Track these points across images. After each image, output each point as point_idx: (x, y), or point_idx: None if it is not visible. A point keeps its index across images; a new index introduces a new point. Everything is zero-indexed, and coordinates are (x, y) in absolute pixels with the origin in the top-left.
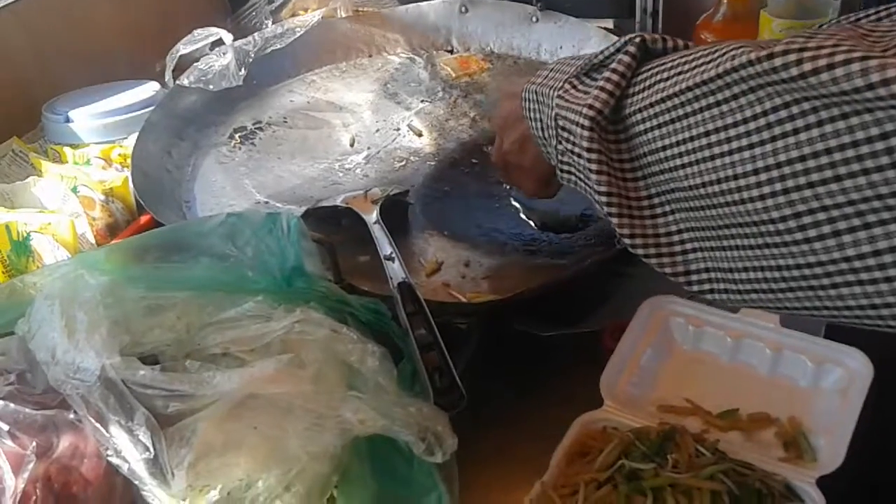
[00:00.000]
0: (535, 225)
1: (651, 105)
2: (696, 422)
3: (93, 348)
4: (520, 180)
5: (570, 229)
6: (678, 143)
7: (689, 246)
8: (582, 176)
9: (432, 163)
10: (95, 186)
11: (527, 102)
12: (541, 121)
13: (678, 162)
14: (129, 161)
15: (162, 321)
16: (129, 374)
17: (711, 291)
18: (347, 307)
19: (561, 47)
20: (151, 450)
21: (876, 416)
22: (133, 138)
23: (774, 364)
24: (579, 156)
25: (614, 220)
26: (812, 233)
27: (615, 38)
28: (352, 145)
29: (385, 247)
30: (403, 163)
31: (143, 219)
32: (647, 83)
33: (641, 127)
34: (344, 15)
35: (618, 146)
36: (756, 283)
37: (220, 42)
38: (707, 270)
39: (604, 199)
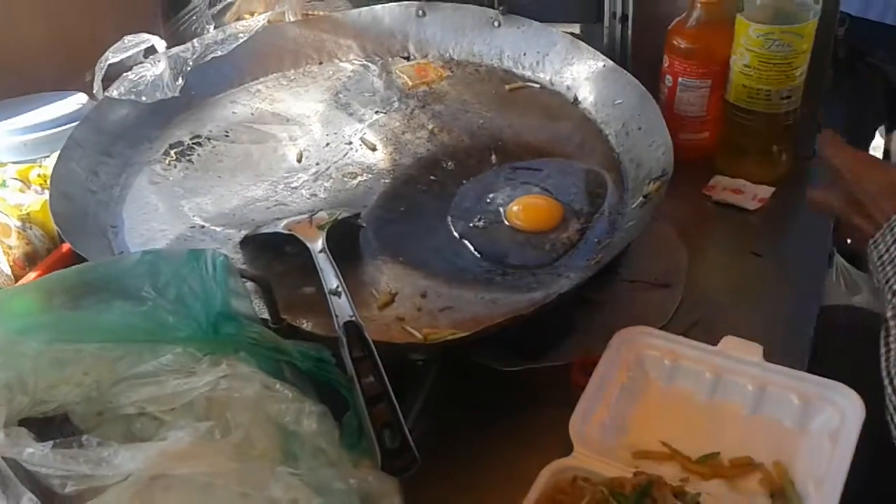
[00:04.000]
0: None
1: None
2: (674, 468)
3: None
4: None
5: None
6: None
7: None
8: None
9: (387, 180)
10: (11, 211)
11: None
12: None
13: None
14: (49, 182)
15: (68, 377)
16: (16, 451)
17: None
18: (283, 355)
19: (524, 53)
20: None
21: (871, 463)
22: (56, 157)
23: (757, 402)
24: None
25: None
26: None
27: (582, 44)
28: (299, 161)
29: (331, 279)
30: (355, 180)
31: (66, 247)
32: None
33: None
34: (292, 19)
35: None
36: None
37: (153, 50)
38: None
39: None
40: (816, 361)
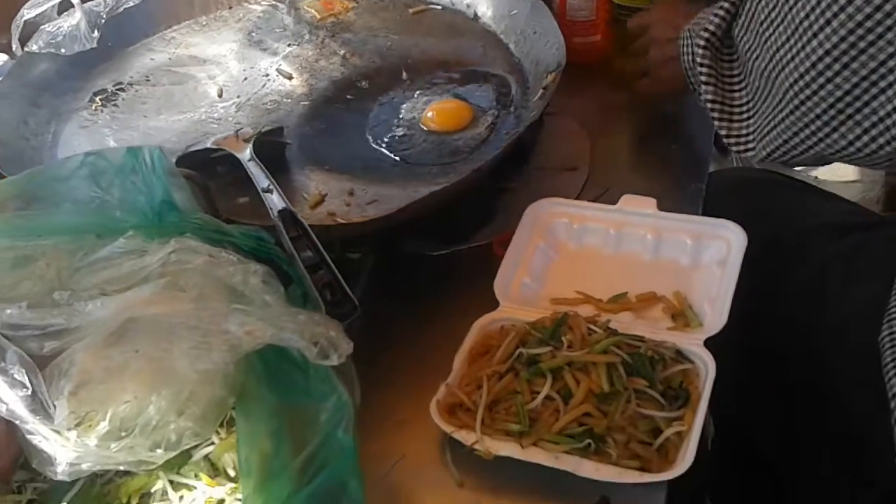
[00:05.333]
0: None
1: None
2: (588, 309)
3: None
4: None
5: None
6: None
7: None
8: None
9: (306, 103)
10: None
11: (682, 40)
12: (690, 54)
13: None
14: None
15: (30, 272)
16: None
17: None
18: (226, 236)
19: None
20: (28, 386)
21: (751, 284)
22: None
23: (656, 247)
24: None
25: (716, 123)
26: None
27: None
28: (220, 96)
29: (262, 180)
30: (276, 106)
31: None
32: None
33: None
34: None
35: (730, 64)
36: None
37: (67, 6)
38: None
39: (709, 104)
40: (707, 209)
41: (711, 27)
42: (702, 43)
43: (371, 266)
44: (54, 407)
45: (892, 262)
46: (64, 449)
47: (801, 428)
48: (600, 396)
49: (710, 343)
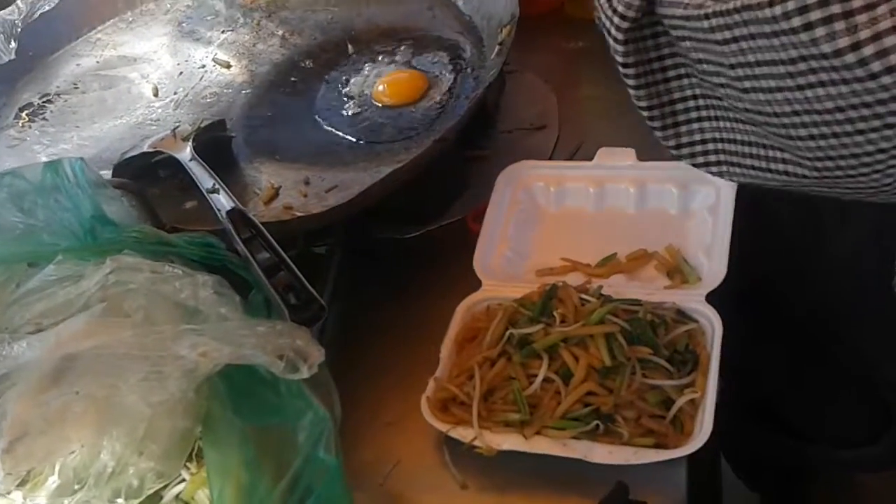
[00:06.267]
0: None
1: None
2: (577, 277)
3: None
4: None
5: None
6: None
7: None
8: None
9: (248, 91)
10: None
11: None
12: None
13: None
14: None
15: None
16: None
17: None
18: (170, 247)
19: None
20: None
21: (744, 226)
22: None
23: (640, 200)
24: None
25: (658, 135)
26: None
27: None
28: (156, 95)
29: (206, 181)
30: (216, 98)
31: None
32: None
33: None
34: None
35: (655, 41)
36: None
37: None
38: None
39: (645, 113)
40: None
41: (631, 13)
42: (621, 38)
43: (339, 259)
44: None
45: None
46: None
47: (810, 367)
48: (602, 371)
49: (711, 297)
